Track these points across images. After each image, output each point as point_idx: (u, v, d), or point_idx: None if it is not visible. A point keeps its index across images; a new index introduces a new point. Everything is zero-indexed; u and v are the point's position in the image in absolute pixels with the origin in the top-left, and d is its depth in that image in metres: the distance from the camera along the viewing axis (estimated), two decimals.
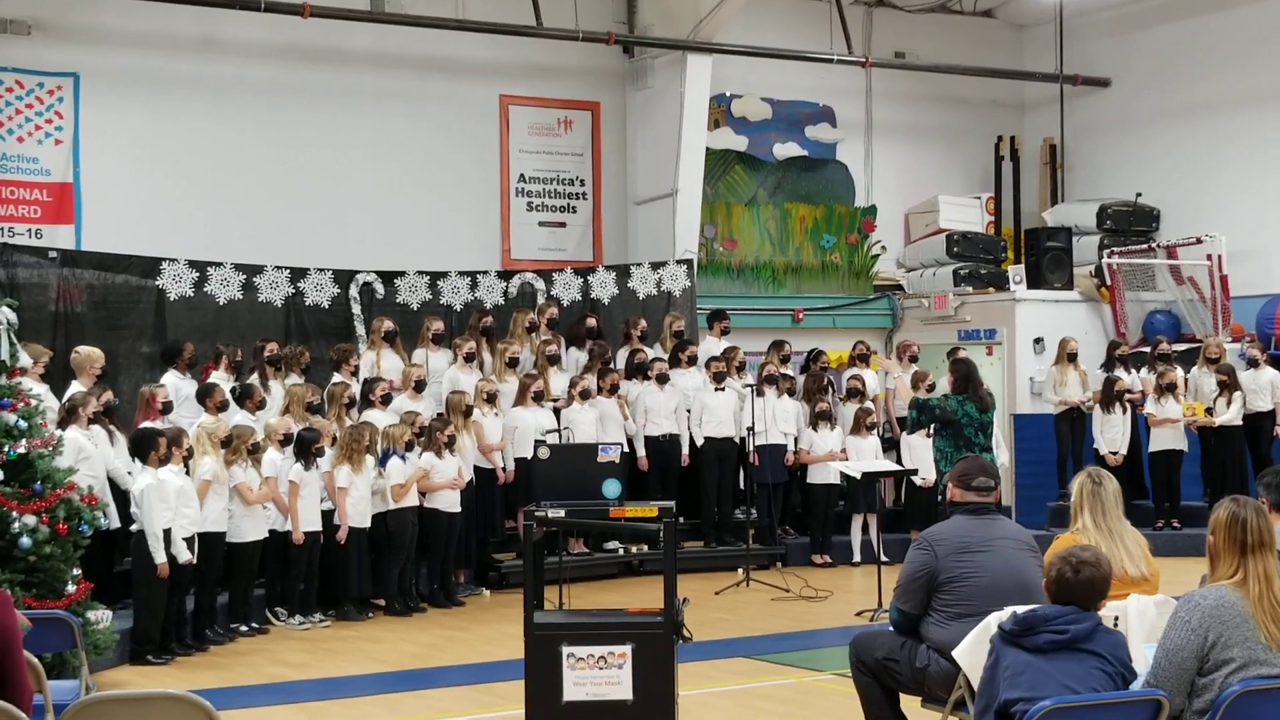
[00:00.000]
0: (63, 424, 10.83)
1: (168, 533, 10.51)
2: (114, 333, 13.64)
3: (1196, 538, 5.65)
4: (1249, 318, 17.46)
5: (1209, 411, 15.63)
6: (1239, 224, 17.89)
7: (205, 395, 12.06)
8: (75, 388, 11.57)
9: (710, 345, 15.84)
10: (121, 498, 11.23)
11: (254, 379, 13.13)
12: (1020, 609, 5.58)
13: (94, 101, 15.24)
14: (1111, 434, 15.68)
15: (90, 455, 10.83)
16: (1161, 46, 19.36)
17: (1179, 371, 15.87)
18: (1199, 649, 5.15)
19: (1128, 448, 15.69)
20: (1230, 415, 15.51)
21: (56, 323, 13.35)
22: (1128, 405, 15.78)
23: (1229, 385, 15.55)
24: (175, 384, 12.50)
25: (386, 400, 13.21)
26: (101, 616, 9.65)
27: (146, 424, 11.30)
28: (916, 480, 14.43)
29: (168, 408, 11.85)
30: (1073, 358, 16.33)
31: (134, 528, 10.63)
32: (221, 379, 12.72)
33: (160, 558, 10.43)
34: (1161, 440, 15.76)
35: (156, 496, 10.41)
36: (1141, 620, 6.18)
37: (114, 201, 15.22)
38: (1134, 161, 19.50)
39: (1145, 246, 18.59)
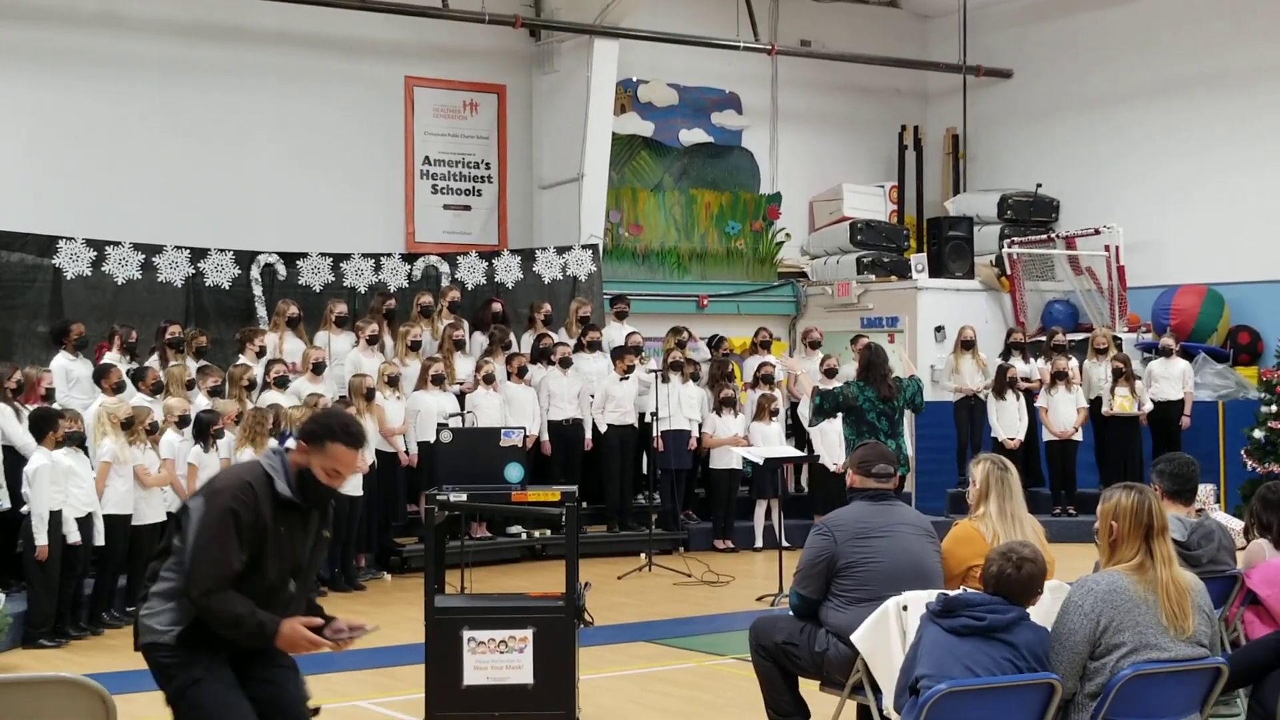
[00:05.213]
0: None
1: (56, 514, 10.33)
2: (8, 312, 13.43)
3: (1092, 524, 5.72)
4: (1145, 308, 17.79)
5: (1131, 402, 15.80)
6: (1136, 215, 18.19)
7: (101, 376, 11.88)
8: None
9: (614, 330, 15.84)
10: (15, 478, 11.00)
11: (154, 360, 12.95)
12: (950, 593, 5.63)
13: None
14: (1008, 420, 15.87)
15: None
16: (1061, 39, 19.64)
17: (1072, 361, 16.07)
18: (1091, 633, 5.22)
19: (1024, 435, 15.89)
20: (1145, 404, 15.78)
21: None
22: (1020, 393, 15.98)
23: (1125, 374, 15.79)
24: (65, 366, 12.27)
25: (282, 382, 12.99)
26: None
27: (41, 405, 11.09)
28: (829, 465, 14.47)
29: (50, 395, 11.59)
30: (969, 346, 16.46)
31: (24, 509, 10.43)
32: (115, 360, 12.51)
33: (41, 539, 10.23)
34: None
35: (47, 478, 10.23)
36: (1036, 605, 6.27)
37: (7, 178, 14.89)
38: (1034, 152, 19.77)
39: (1045, 237, 18.87)
